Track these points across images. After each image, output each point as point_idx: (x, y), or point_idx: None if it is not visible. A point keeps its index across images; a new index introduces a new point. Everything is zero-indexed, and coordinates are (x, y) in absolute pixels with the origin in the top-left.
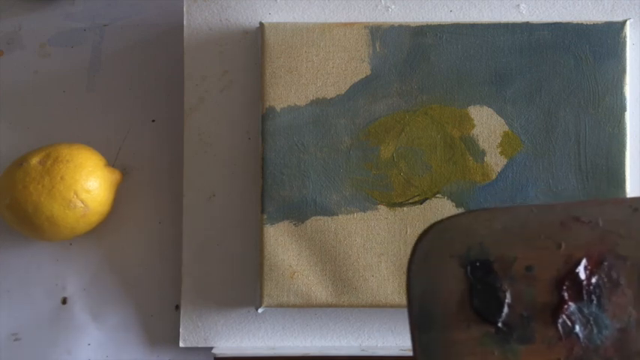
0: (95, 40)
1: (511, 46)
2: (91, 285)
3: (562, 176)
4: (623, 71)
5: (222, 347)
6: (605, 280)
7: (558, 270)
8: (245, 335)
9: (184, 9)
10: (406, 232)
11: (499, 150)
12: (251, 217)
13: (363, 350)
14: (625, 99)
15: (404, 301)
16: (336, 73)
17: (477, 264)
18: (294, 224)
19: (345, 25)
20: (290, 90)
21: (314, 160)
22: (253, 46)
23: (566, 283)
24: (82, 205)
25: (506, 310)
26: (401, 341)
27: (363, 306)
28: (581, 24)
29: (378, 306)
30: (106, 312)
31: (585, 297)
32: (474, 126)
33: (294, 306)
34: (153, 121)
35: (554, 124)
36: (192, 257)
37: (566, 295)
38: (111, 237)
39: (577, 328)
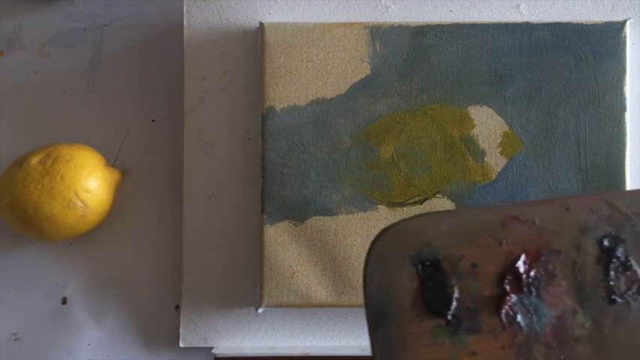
0: (95, 40)
1: (511, 46)
2: (91, 285)
3: (562, 176)
4: (623, 71)
5: (222, 347)
6: (543, 273)
7: (500, 265)
8: (245, 335)
9: (184, 9)
10: None
11: (499, 150)
12: (251, 217)
13: (363, 350)
14: (625, 99)
15: None
16: (336, 73)
17: (427, 263)
18: (294, 224)
19: (345, 25)
20: (290, 90)
21: (314, 160)
22: (253, 46)
23: (508, 276)
24: (82, 205)
25: (454, 303)
26: None
27: (362, 306)
28: (581, 24)
29: None
30: (106, 312)
31: (525, 289)
32: (474, 126)
33: (294, 306)
34: (153, 121)
35: (554, 124)
36: (192, 257)
37: (507, 287)
38: (111, 237)
39: (519, 317)
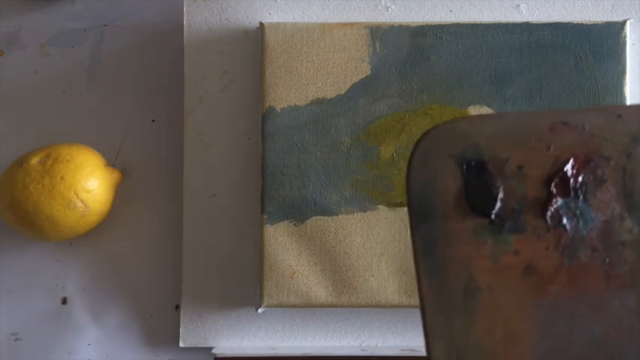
0: (95, 40)
1: (511, 46)
2: (91, 285)
3: None
4: (623, 71)
5: (222, 347)
6: (591, 178)
7: (548, 169)
8: (245, 335)
9: (184, 9)
10: (406, 232)
11: None
12: (251, 217)
13: (363, 350)
14: (625, 99)
15: (404, 301)
16: (336, 73)
17: (472, 163)
18: (294, 224)
19: (345, 25)
20: (290, 90)
21: (314, 160)
22: (253, 46)
23: (555, 180)
24: (82, 205)
25: (498, 204)
26: (401, 341)
27: (363, 306)
28: (581, 24)
29: (378, 306)
30: (106, 312)
31: (572, 193)
32: None
33: (294, 306)
34: (153, 121)
35: None
36: (192, 257)
37: (554, 190)
38: (111, 237)
39: (564, 220)
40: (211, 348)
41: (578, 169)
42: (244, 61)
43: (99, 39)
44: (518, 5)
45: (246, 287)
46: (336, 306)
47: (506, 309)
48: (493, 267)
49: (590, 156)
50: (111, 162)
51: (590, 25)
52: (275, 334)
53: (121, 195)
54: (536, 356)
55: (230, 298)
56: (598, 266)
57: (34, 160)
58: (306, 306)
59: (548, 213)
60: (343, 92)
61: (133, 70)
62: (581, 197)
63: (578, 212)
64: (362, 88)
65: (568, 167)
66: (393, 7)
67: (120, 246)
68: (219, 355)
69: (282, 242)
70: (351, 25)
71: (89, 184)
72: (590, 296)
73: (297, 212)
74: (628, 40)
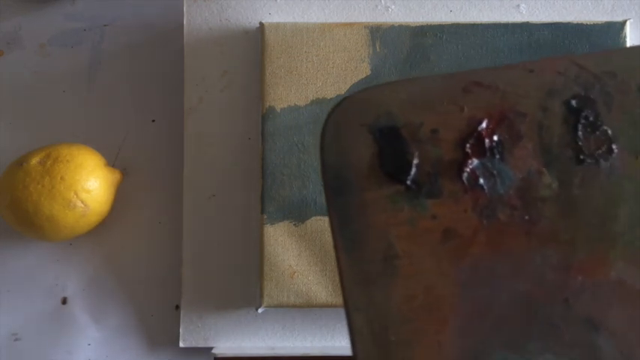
0: (95, 40)
1: (511, 46)
2: (91, 285)
3: None
4: None
5: (222, 347)
6: (507, 136)
7: (462, 130)
8: (245, 335)
9: (184, 9)
10: None
11: None
12: (251, 217)
13: None
14: None
15: None
16: (336, 73)
17: (385, 131)
18: (294, 224)
19: (345, 25)
20: (290, 90)
21: (314, 160)
22: (253, 46)
23: (470, 141)
24: (82, 205)
25: (414, 169)
26: None
27: None
28: (581, 24)
29: None
30: (106, 312)
31: (488, 153)
32: None
33: (294, 306)
34: (153, 121)
35: None
36: (192, 257)
37: (470, 151)
38: (111, 237)
39: (481, 180)
40: (211, 348)
41: (493, 127)
42: (244, 61)
43: (99, 39)
44: (518, 5)
45: (246, 287)
46: (336, 306)
47: (426, 274)
48: (411, 233)
49: (505, 114)
50: (111, 162)
51: (590, 25)
52: (275, 334)
53: (121, 195)
54: (459, 319)
55: (230, 298)
56: (518, 224)
57: (34, 160)
58: (306, 306)
59: (465, 174)
60: (343, 92)
61: (133, 70)
62: (497, 156)
63: (495, 171)
64: (362, 88)
65: (483, 127)
66: (393, 7)
67: (120, 246)
68: (219, 355)
69: (282, 242)
70: (351, 25)
71: (89, 184)
72: (512, 255)
73: (297, 212)
74: (628, 40)
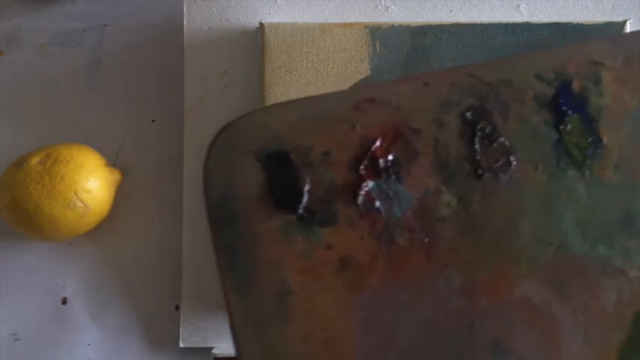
0: (95, 40)
1: (511, 46)
2: (91, 285)
3: None
4: None
5: (222, 347)
6: (403, 154)
7: (355, 151)
8: None
9: (184, 9)
10: None
11: None
12: None
13: None
14: None
15: None
16: (336, 73)
17: (274, 156)
18: None
19: (345, 25)
20: (290, 90)
21: None
22: (253, 46)
23: (364, 162)
24: (82, 205)
25: (305, 196)
26: None
27: None
28: (581, 24)
29: None
30: (106, 312)
31: (383, 174)
32: None
33: None
34: (153, 121)
35: None
36: (192, 257)
37: (363, 173)
38: (111, 237)
39: (377, 203)
40: (211, 348)
41: (388, 146)
42: (244, 61)
43: (99, 39)
44: (518, 5)
45: None
46: None
47: (323, 309)
48: (306, 266)
49: (400, 130)
50: (111, 162)
51: (590, 25)
52: None
53: (121, 195)
54: (361, 354)
55: None
56: (417, 248)
57: (34, 160)
58: None
59: (360, 198)
60: None
61: (133, 70)
62: (393, 176)
63: (391, 193)
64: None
65: (376, 146)
66: (393, 7)
67: (120, 246)
68: (219, 355)
69: None
70: (351, 25)
71: (89, 184)
72: (412, 281)
73: None
74: None
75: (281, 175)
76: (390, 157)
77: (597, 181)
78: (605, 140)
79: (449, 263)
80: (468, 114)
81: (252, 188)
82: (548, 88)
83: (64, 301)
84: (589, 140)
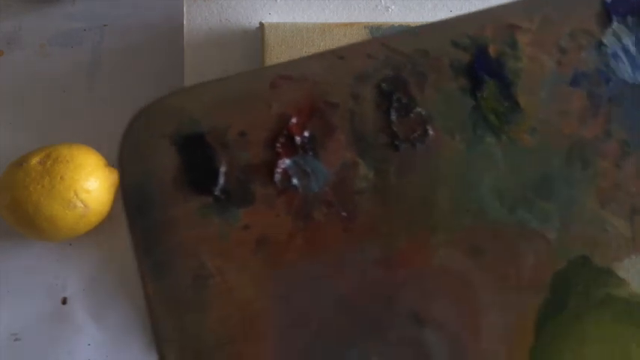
0: (95, 40)
1: None
2: (91, 285)
3: None
4: None
5: None
6: (319, 130)
7: (271, 130)
8: None
9: (184, 9)
10: None
11: None
12: None
13: None
14: None
15: None
16: None
17: (189, 139)
18: None
19: (345, 25)
20: None
21: None
22: (253, 46)
23: (280, 140)
24: (82, 205)
25: (222, 177)
26: None
27: None
28: None
29: None
30: (106, 312)
31: (300, 150)
32: None
33: None
34: None
35: None
36: None
37: (280, 151)
38: (111, 237)
39: (294, 180)
40: None
41: (304, 122)
42: (244, 61)
43: (99, 39)
44: None
45: None
46: None
47: (240, 290)
48: (223, 248)
49: (316, 106)
50: (111, 162)
51: None
52: None
53: (120, 195)
54: (279, 332)
55: None
56: (335, 222)
57: (34, 161)
58: None
59: (276, 176)
60: None
61: (133, 70)
62: (310, 152)
63: (308, 169)
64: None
65: (292, 123)
66: (393, 7)
67: (120, 246)
68: None
69: None
70: (351, 25)
71: (89, 184)
72: (330, 256)
73: None
74: None
75: (196, 157)
76: (306, 134)
77: (514, 146)
78: (522, 104)
79: (367, 236)
80: (384, 85)
81: (168, 172)
82: (465, 55)
83: (64, 301)
84: (505, 105)
